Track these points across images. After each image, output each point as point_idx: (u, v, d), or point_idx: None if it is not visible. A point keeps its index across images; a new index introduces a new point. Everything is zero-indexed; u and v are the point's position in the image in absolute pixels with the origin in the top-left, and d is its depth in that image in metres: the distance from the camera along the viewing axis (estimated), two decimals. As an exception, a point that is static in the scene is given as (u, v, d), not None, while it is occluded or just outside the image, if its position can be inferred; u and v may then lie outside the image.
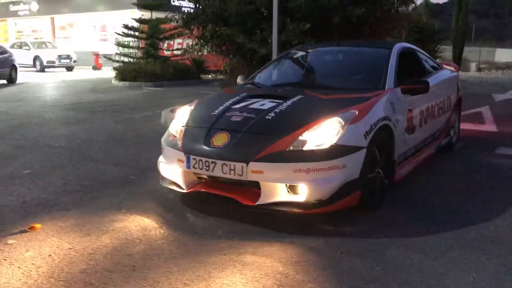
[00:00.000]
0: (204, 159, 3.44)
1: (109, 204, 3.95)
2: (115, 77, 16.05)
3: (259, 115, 3.65)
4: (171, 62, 16.38)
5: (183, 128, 3.84)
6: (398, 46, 4.73)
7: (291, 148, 3.31)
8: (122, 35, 16.88)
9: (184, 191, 3.66)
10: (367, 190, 3.54)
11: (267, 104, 3.84)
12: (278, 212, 3.35)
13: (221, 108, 3.91)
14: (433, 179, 4.65)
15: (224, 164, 3.34)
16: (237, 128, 3.56)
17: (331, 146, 3.30)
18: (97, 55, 24.62)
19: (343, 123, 3.43)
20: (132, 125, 7.95)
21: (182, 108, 4.21)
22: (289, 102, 3.82)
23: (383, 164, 3.80)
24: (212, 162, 3.40)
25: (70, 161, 5.43)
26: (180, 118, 4.03)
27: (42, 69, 23.51)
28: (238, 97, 4.11)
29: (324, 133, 3.37)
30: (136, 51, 17.05)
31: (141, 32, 16.82)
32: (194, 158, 3.50)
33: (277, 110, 3.69)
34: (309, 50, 5.30)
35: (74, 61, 24.28)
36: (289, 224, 3.45)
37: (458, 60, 21.35)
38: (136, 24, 16.84)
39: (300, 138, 3.35)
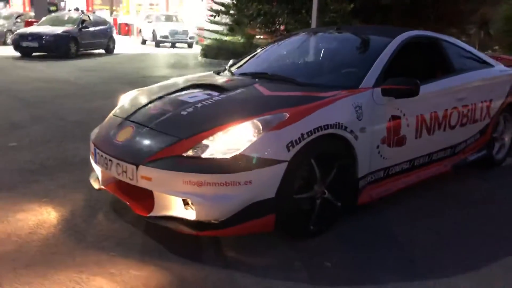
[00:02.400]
0: (104, 154, 2.99)
1: (42, 190, 3.71)
2: (200, 53, 16.12)
3: (176, 109, 3.09)
4: (256, 39, 15.93)
5: (109, 117, 3.42)
6: (405, 36, 3.77)
7: (189, 153, 2.71)
8: (211, 11, 16.79)
9: (96, 188, 3.25)
10: (292, 214, 2.83)
11: (199, 96, 3.25)
12: (172, 229, 2.78)
13: (155, 96, 3.41)
14: (422, 206, 3.65)
15: (118, 163, 2.87)
16: (145, 122, 3.04)
17: (235, 156, 2.64)
18: (200, 30, 24.87)
19: (261, 128, 2.73)
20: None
21: (127, 93, 3.78)
22: (222, 96, 3.20)
23: (331, 182, 3.02)
24: (109, 159, 2.94)
25: (63, 137, 5.33)
26: (118, 105, 3.61)
27: (156, 44, 22.49)
28: (185, 85, 3.58)
29: (233, 139, 2.72)
30: (224, 27, 16.87)
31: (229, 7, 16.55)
32: (98, 153, 3.08)
33: (198, 105, 3.09)
34: (301, 35, 4.48)
35: (191, 37, 22.83)
36: (196, 244, 2.87)
37: None
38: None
39: (204, 142, 2.73)
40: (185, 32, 22.81)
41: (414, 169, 3.69)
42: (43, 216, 3.23)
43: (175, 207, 2.72)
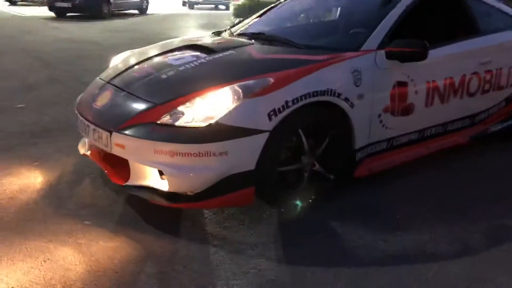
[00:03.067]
0: (84, 120, 2.87)
1: (37, 153, 3.66)
2: (232, 13, 15.83)
3: (158, 72, 2.90)
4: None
5: (95, 80, 3.28)
6: (421, -9, 3.39)
7: (164, 120, 2.53)
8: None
9: (81, 153, 3.15)
10: (275, 187, 2.64)
11: (185, 58, 3.05)
12: (146, 199, 2.65)
13: (144, 58, 3.24)
14: (430, 179, 3.34)
15: (95, 129, 2.73)
16: (124, 86, 2.87)
17: (210, 124, 2.44)
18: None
19: (241, 94, 2.50)
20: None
21: (119, 55, 3.61)
22: (208, 58, 2.97)
23: (323, 154, 2.79)
24: (87, 125, 2.81)
25: (73, 99, 5.16)
26: (109, 67, 3.46)
27: (190, 6, 22.83)
28: (176, 46, 3.37)
29: (210, 106, 2.51)
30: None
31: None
32: (78, 118, 2.95)
33: (181, 68, 2.88)
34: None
35: None
36: (176, 215, 2.74)
37: None
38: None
39: (180, 108, 2.53)
40: None
41: (424, 140, 3.39)
42: (29, 180, 3.17)
43: (151, 176, 2.58)
